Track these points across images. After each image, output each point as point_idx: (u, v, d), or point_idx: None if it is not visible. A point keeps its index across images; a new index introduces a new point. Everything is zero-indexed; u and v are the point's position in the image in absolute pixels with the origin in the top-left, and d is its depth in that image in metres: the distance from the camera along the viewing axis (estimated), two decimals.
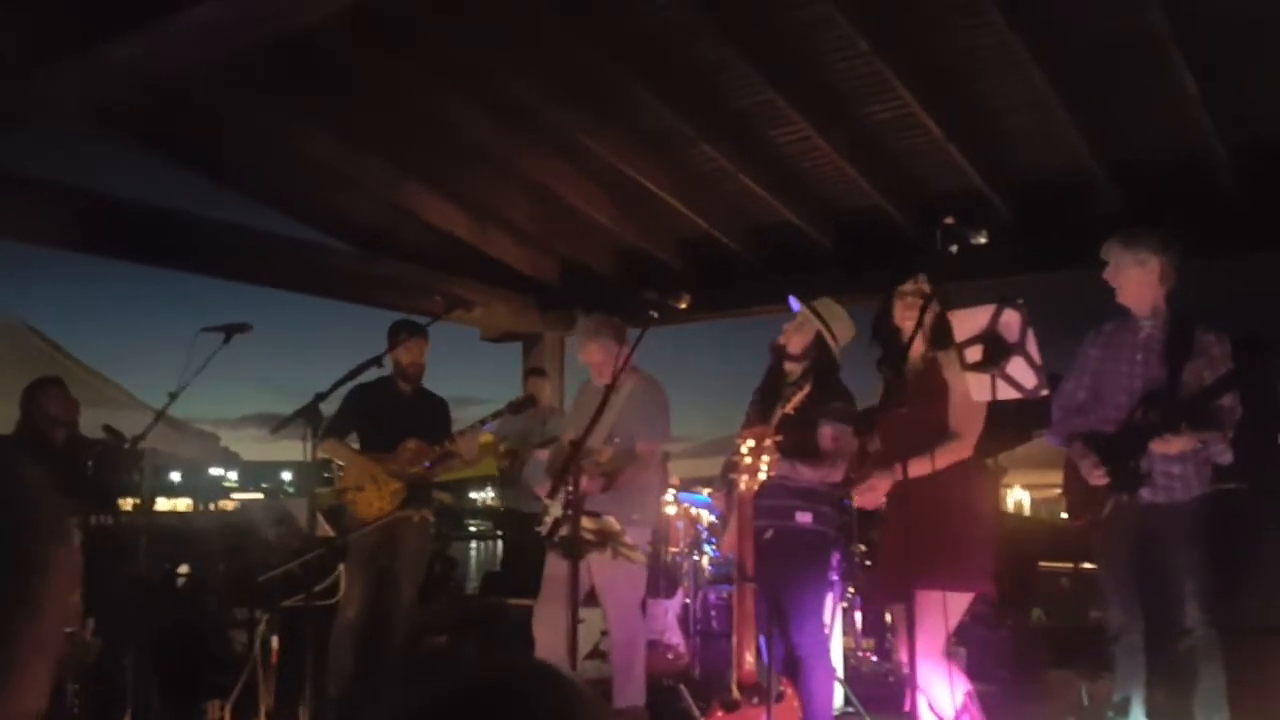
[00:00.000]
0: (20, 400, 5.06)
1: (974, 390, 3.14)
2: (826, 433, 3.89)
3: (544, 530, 4.43)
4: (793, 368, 3.95)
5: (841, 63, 4.83)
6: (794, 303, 4.12)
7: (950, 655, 3.27)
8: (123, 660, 4.13)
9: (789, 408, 3.46)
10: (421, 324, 5.12)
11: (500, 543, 9.42)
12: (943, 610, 3.10)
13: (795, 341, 4.02)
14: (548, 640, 4.30)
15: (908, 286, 3.49)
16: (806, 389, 3.51)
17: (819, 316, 4.03)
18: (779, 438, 3.30)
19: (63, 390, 5.12)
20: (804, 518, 3.93)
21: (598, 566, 4.17)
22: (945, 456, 3.36)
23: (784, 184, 5.99)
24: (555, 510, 4.24)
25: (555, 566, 4.31)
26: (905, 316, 3.51)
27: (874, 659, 5.94)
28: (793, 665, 3.73)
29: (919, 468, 3.17)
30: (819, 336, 4.01)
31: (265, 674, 3.84)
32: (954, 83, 4.94)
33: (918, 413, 3.24)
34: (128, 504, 4.98)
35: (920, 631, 3.10)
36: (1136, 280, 3.76)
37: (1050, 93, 4.72)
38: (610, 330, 4.50)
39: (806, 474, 3.80)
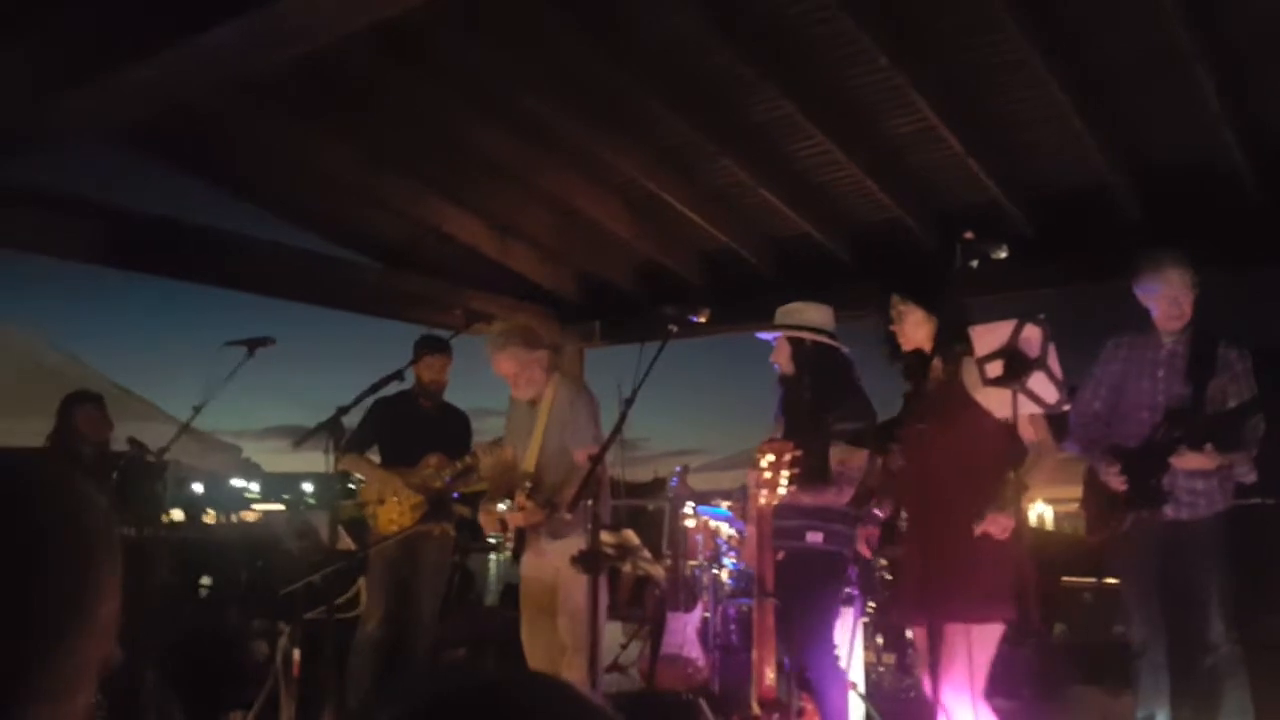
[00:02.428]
0: (57, 410, 5.14)
1: (996, 405, 3.11)
2: (836, 456, 3.83)
3: (510, 546, 4.37)
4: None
5: (861, 77, 4.84)
6: (762, 335, 4.13)
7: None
8: (145, 671, 4.16)
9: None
10: (445, 339, 5.15)
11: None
12: (969, 645, 3.06)
13: (781, 362, 4.02)
14: (540, 649, 4.20)
15: (892, 312, 3.51)
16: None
17: (784, 326, 4.01)
18: (799, 453, 3.28)
19: (98, 409, 5.18)
20: (815, 538, 3.87)
21: (565, 573, 3.85)
22: (1042, 471, 3.31)
23: (803, 198, 5.99)
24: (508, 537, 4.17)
25: (532, 569, 4.21)
26: (895, 311, 3.52)
27: (896, 674, 5.91)
28: (805, 686, 3.71)
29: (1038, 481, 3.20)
30: (797, 344, 3.98)
31: (287, 686, 3.86)
32: (974, 96, 4.94)
33: (940, 428, 3.21)
34: (173, 515, 5.02)
35: (949, 666, 3.07)
36: (1179, 302, 3.73)
37: (1070, 106, 4.70)
38: (520, 338, 4.20)
39: (807, 500, 3.69)
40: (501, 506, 4.16)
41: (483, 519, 4.33)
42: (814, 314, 4.06)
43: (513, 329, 4.28)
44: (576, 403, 4.13)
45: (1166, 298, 3.75)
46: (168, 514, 5.27)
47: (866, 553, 4.00)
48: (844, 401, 3.92)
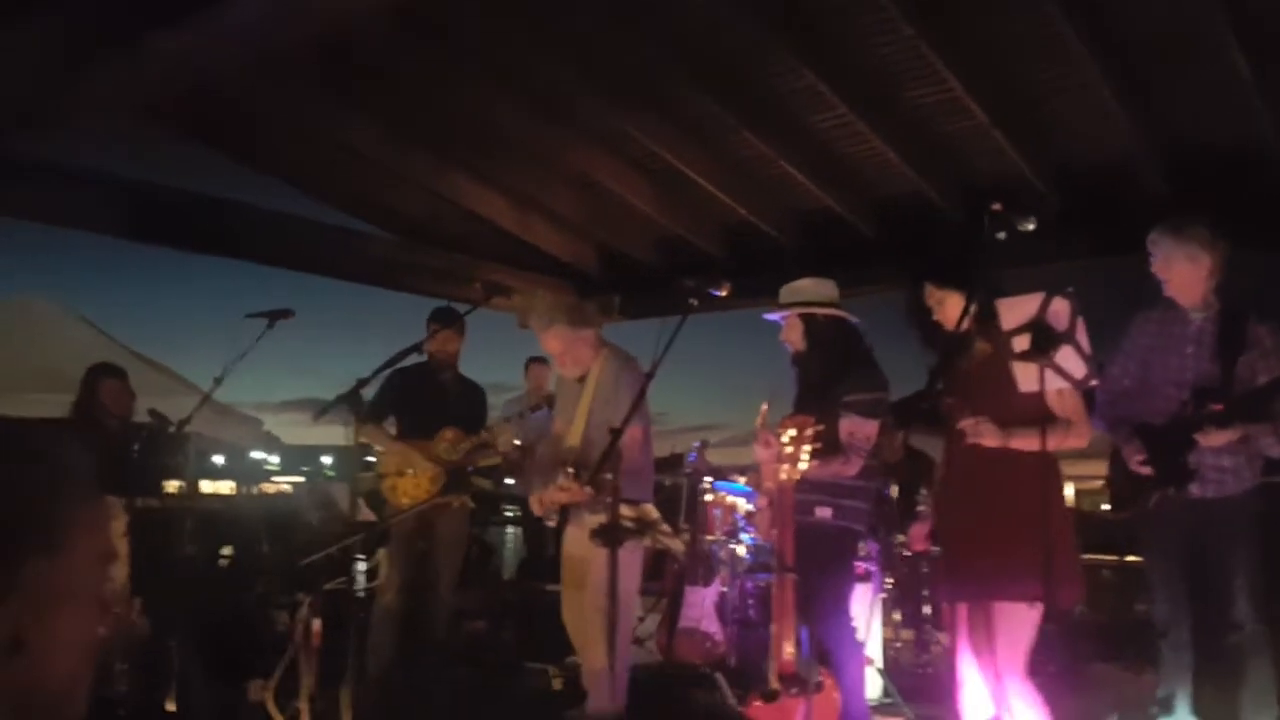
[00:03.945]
0: (81, 381, 5.19)
1: (1022, 380, 3.07)
2: (844, 426, 3.79)
3: (552, 524, 4.35)
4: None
5: (885, 47, 4.77)
6: (769, 317, 4.11)
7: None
8: (169, 640, 4.21)
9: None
10: (459, 312, 5.14)
11: (525, 529, 9.51)
12: (1026, 622, 3.04)
13: (793, 340, 4.01)
14: (577, 626, 4.25)
15: (929, 300, 3.45)
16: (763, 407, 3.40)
17: (790, 305, 3.99)
18: (821, 427, 3.26)
19: (121, 383, 5.22)
20: (823, 513, 3.86)
21: (597, 550, 3.72)
22: (1058, 441, 3.13)
23: (825, 170, 5.93)
24: (551, 513, 4.16)
25: (573, 545, 4.19)
26: (934, 299, 3.45)
27: (914, 649, 5.91)
28: (823, 657, 3.70)
29: (1026, 442, 3.07)
30: (809, 319, 3.96)
31: (307, 655, 3.89)
32: (999, 66, 4.86)
33: (981, 404, 3.16)
34: (173, 486, 5.06)
35: (981, 644, 3.04)
36: (1188, 275, 3.68)
37: (1097, 76, 4.62)
38: (565, 315, 4.12)
39: (814, 471, 3.60)
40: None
41: (534, 505, 4.26)
42: (821, 289, 4.04)
43: (559, 305, 4.21)
44: (621, 379, 4.02)
45: (1159, 269, 3.72)
46: (190, 485, 5.31)
47: (923, 548, 3.93)
48: (853, 373, 3.89)
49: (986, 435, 3.14)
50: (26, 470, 0.94)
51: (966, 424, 3.14)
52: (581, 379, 4.18)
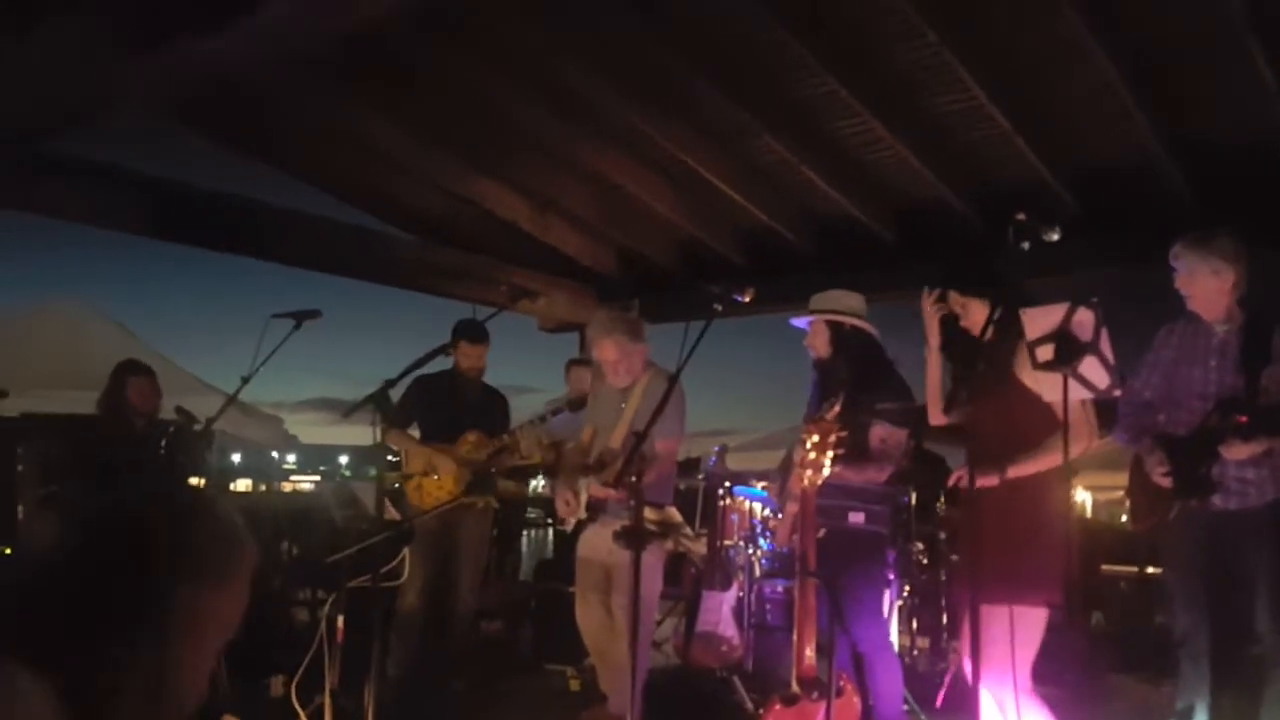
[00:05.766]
0: (109, 377, 5.25)
1: (1047, 390, 3.07)
2: (877, 433, 3.88)
3: (568, 528, 4.45)
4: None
5: (908, 53, 4.78)
6: (796, 322, 4.17)
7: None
8: None
9: (829, 416, 3.39)
10: (483, 326, 5.18)
11: (551, 531, 9.53)
12: (1010, 628, 3.04)
13: (818, 346, 4.06)
14: (593, 630, 4.32)
15: (955, 308, 3.45)
16: (837, 407, 3.40)
17: (819, 311, 4.05)
18: (844, 433, 3.27)
19: (149, 380, 5.28)
20: (856, 518, 3.92)
21: (621, 552, 3.86)
22: (1054, 458, 3.14)
23: (846, 176, 5.94)
24: (581, 511, 4.25)
25: (590, 549, 4.31)
26: (958, 305, 3.46)
27: (930, 657, 5.90)
28: (857, 661, 3.72)
29: (1026, 469, 3.12)
30: (836, 327, 4.02)
31: (330, 653, 3.93)
32: (1022, 73, 4.86)
33: (988, 410, 3.17)
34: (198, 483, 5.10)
35: (991, 649, 3.04)
36: (1211, 289, 3.66)
37: (1121, 83, 4.62)
38: (625, 327, 4.33)
39: (850, 476, 3.74)
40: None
41: (560, 505, 4.41)
42: (850, 300, 4.12)
43: (620, 317, 4.41)
44: (671, 397, 4.16)
45: (1182, 284, 3.71)
46: (214, 482, 5.35)
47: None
48: (883, 382, 3.97)
49: (987, 478, 3.14)
50: (199, 520, 1.16)
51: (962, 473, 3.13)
52: (624, 389, 4.35)
